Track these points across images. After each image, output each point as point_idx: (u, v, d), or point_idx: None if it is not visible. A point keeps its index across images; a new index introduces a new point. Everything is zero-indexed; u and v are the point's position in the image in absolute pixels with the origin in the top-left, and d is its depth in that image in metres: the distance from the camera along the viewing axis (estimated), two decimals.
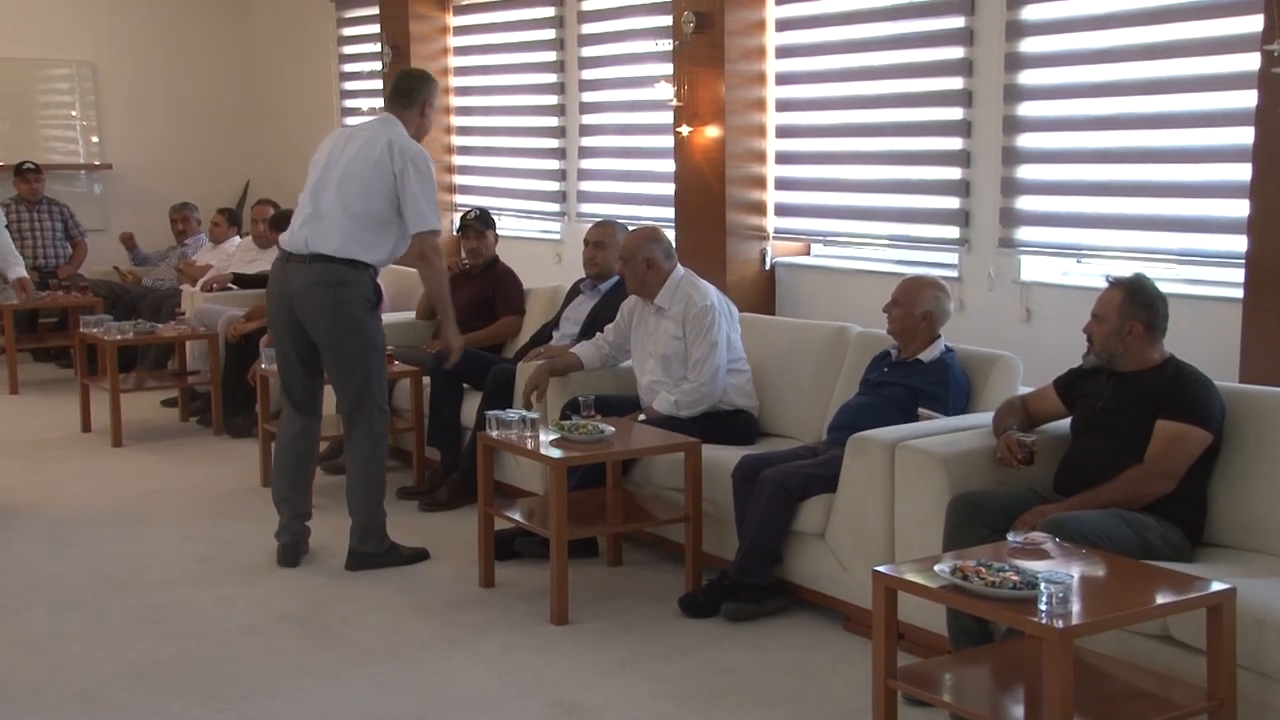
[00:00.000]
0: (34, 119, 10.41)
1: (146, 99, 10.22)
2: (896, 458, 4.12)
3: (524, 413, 4.75)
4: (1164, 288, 4.04)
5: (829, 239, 6.52)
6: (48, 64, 10.26)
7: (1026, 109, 5.47)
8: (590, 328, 5.87)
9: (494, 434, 4.72)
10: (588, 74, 7.72)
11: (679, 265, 5.31)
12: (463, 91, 8.83)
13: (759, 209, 6.60)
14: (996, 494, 3.88)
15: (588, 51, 7.72)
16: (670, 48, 6.72)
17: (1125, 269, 4.26)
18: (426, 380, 6.11)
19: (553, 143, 8.02)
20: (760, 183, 6.59)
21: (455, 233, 7.86)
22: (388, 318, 6.99)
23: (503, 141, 8.55)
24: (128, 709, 3.83)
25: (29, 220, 9.38)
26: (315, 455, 5.26)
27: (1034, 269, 5.55)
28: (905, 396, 4.56)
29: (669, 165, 6.85)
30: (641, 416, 5.10)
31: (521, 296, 6.66)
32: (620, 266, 5.36)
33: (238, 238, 8.90)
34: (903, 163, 6.02)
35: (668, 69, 6.76)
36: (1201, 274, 5.08)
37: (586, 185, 7.79)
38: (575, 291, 6.16)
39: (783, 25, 6.47)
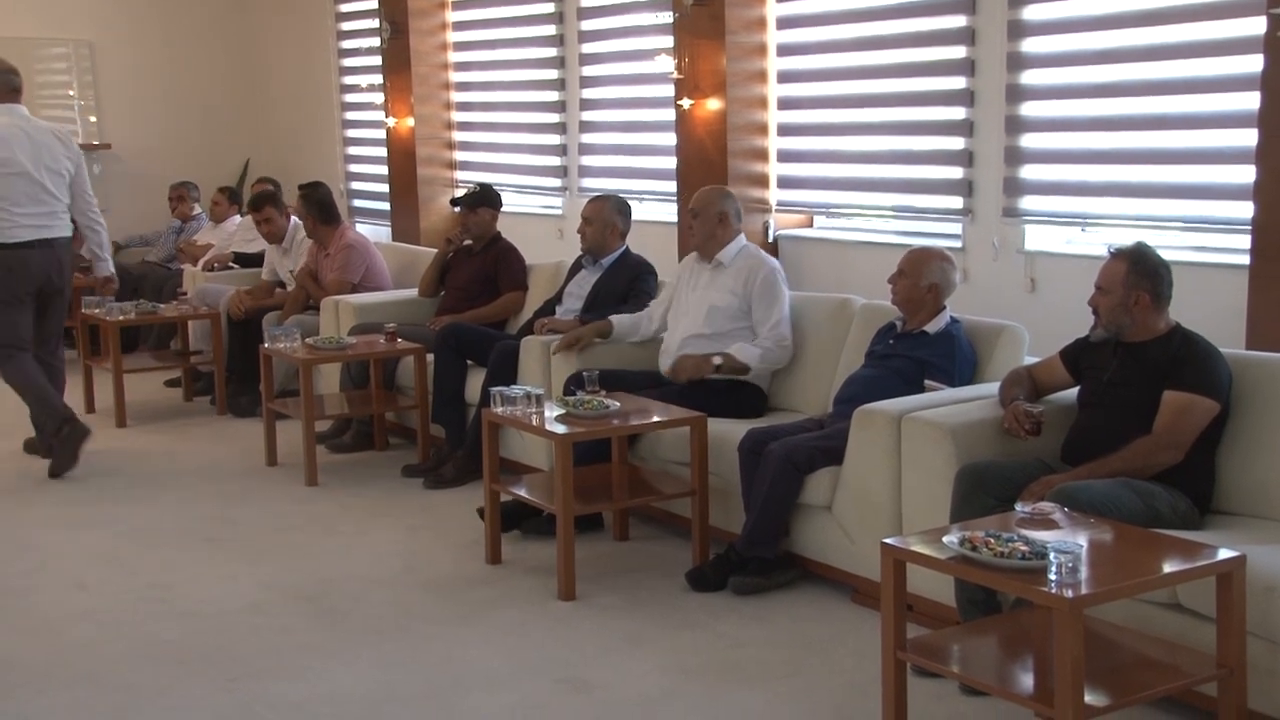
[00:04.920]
0: (31, 99, 10.19)
1: (145, 78, 10.17)
2: (903, 429, 4.11)
3: (528, 389, 4.74)
4: (1169, 255, 4.02)
5: (832, 211, 6.49)
6: (44, 43, 10.21)
7: (1030, 77, 5.43)
8: (593, 302, 5.85)
9: (499, 410, 4.71)
10: (588, 48, 7.68)
11: (743, 233, 5.36)
12: (462, 67, 8.78)
13: (761, 181, 6.57)
14: (1004, 465, 3.87)
15: (587, 25, 7.67)
16: (670, 20, 6.67)
17: (1130, 237, 4.24)
18: (430, 358, 6.10)
19: (553, 118, 7.98)
20: (762, 155, 6.56)
21: (453, 209, 7.85)
22: (391, 294, 7.05)
23: (503, 117, 8.51)
24: (135, 690, 3.84)
25: None
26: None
27: (1038, 238, 5.52)
28: (911, 368, 4.54)
29: (670, 139, 6.81)
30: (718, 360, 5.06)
31: (524, 272, 6.64)
32: (691, 221, 5.35)
33: (238, 216, 8.88)
34: (905, 133, 5.98)
35: (668, 41, 6.72)
36: (1207, 241, 5.05)
37: (588, 160, 7.75)
38: (578, 266, 6.14)
39: None
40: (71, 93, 10.34)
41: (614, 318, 5.55)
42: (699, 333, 5.19)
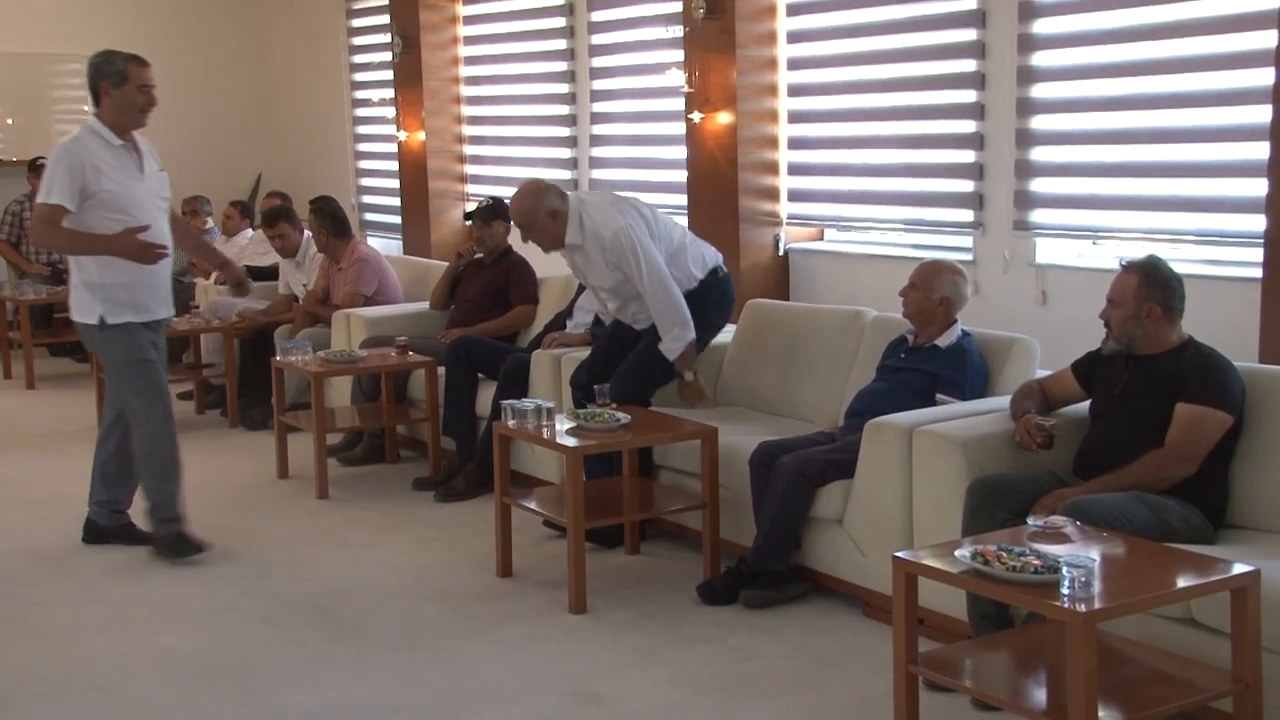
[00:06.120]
0: (47, 114, 10.41)
1: (158, 92, 10.20)
2: (914, 442, 4.11)
3: (539, 402, 4.75)
4: (1182, 268, 4.02)
5: (842, 224, 6.49)
6: (60, 59, 10.26)
7: (1040, 90, 5.43)
8: None
9: (510, 423, 4.72)
10: (598, 61, 7.70)
11: (569, 195, 5.19)
12: (473, 81, 8.81)
13: (772, 195, 6.57)
14: (1015, 478, 3.86)
15: (598, 39, 7.69)
16: (681, 34, 6.69)
17: (1141, 250, 4.24)
18: (441, 371, 6.11)
19: (564, 131, 8.00)
20: (773, 168, 6.56)
21: (465, 222, 7.86)
22: (402, 307, 7.06)
23: (514, 130, 8.53)
24: (150, 702, 3.84)
25: None
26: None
27: (1049, 251, 5.51)
28: (923, 382, 4.54)
29: (681, 152, 6.82)
30: (689, 375, 5.15)
31: (535, 285, 6.65)
32: (525, 235, 5.18)
33: (250, 230, 8.92)
34: (916, 146, 5.98)
35: (679, 55, 6.73)
36: (1220, 254, 5.04)
37: (598, 173, 7.76)
38: None
39: (794, 10, 6.43)
40: (86, 108, 10.34)
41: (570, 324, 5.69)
42: (623, 298, 5.18)
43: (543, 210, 5.06)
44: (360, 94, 9.90)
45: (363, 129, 9.97)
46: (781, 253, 6.58)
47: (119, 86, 4.90)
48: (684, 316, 5.05)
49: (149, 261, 4.83)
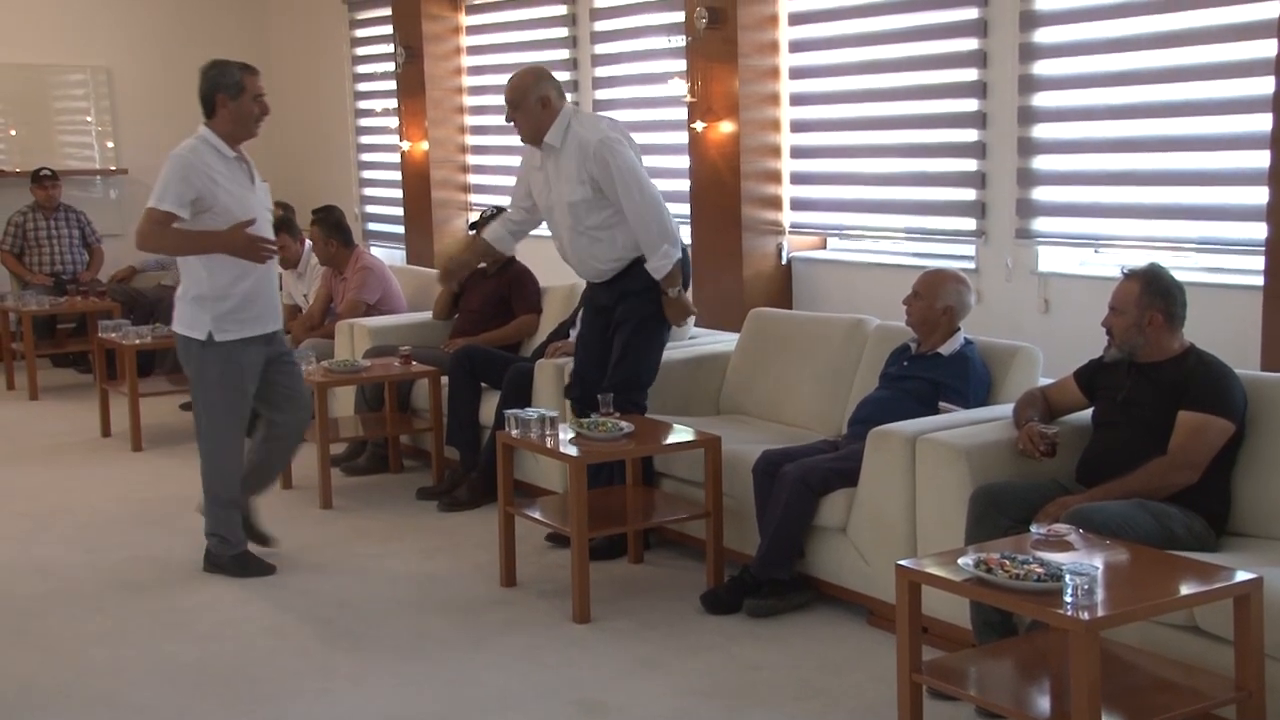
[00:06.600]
0: (49, 125, 10.45)
1: (161, 103, 10.23)
2: (918, 451, 4.11)
3: (542, 411, 4.75)
4: (1183, 276, 4.02)
5: (845, 232, 6.50)
6: (62, 70, 10.30)
7: (1042, 99, 5.45)
8: None
9: (513, 433, 4.72)
10: (601, 71, 7.72)
11: (568, 101, 5.10)
12: (476, 91, 8.83)
13: (774, 204, 6.59)
14: (1018, 486, 3.87)
15: (600, 49, 7.72)
16: (683, 43, 6.71)
17: (1143, 258, 4.25)
18: (444, 380, 6.12)
19: None
20: (775, 177, 6.58)
21: (469, 232, 7.86)
22: (405, 317, 7.07)
23: (517, 140, 8.49)
24: (153, 712, 3.84)
25: (46, 227, 9.41)
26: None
27: (1051, 260, 5.53)
28: (926, 390, 4.54)
29: (683, 161, 6.84)
30: (672, 293, 4.96)
31: (538, 295, 6.66)
32: (511, 113, 5.05)
33: None
34: (918, 155, 6.00)
35: (681, 65, 6.75)
36: (1221, 262, 5.05)
37: None
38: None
39: (795, 19, 6.46)
40: (89, 118, 10.43)
41: (487, 236, 5.43)
42: (577, 230, 5.01)
43: (536, 93, 4.95)
44: (363, 104, 9.94)
45: (365, 139, 10.00)
46: (784, 261, 6.59)
47: (236, 98, 4.79)
48: (672, 232, 4.93)
49: (259, 259, 4.74)
